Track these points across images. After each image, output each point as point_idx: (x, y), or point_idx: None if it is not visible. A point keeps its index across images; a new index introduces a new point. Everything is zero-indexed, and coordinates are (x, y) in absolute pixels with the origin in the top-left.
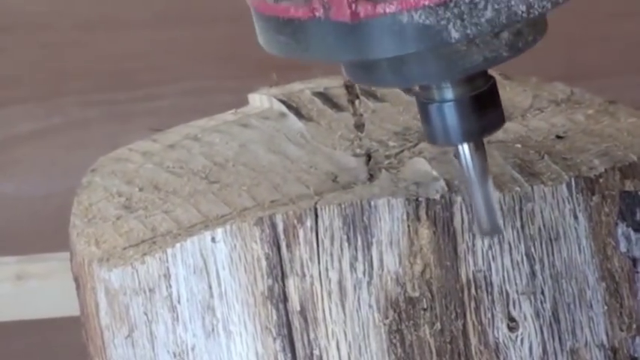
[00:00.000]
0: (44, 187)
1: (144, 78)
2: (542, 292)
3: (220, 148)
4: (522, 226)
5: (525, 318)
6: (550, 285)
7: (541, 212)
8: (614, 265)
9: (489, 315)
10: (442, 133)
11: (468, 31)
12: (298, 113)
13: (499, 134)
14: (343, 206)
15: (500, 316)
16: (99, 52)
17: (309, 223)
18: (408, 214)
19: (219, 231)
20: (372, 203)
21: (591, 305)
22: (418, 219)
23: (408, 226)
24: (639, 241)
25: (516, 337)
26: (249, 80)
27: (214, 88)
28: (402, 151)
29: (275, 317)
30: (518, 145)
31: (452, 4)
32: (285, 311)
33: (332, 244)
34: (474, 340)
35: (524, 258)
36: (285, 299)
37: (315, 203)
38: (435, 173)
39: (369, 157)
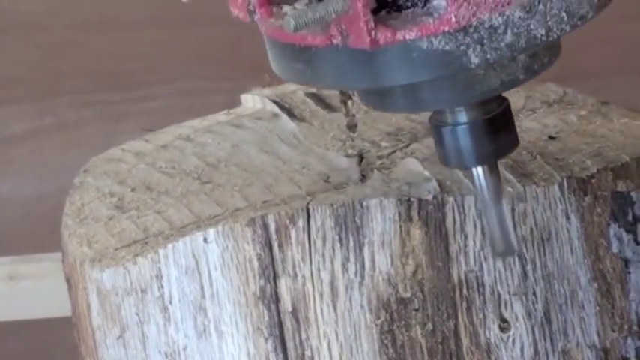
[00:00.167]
0: (37, 187)
1: (137, 79)
2: (534, 293)
3: (213, 149)
4: (514, 227)
5: (517, 318)
6: (542, 285)
7: (533, 213)
8: (606, 265)
9: (481, 315)
10: (456, 156)
11: (488, 56)
12: (291, 114)
13: None
14: (335, 207)
15: (491, 317)
16: (92, 52)
17: (301, 223)
18: (400, 214)
19: (211, 231)
20: (364, 204)
21: (583, 306)
22: (410, 219)
23: (400, 227)
24: (631, 242)
25: (508, 337)
26: (242, 81)
27: (207, 89)
28: (394, 151)
29: (267, 317)
30: None
31: (471, 30)
32: (276, 311)
33: (324, 244)
34: (465, 341)
35: (516, 258)
36: (276, 299)
37: (307, 204)
38: (427, 174)
39: (361, 157)
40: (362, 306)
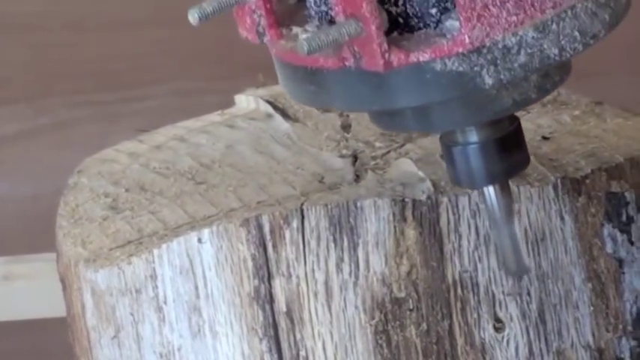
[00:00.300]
0: (31, 187)
1: (130, 79)
2: (529, 293)
3: (207, 149)
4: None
5: (511, 319)
6: (536, 286)
7: (527, 213)
8: (601, 265)
9: (475, 315)
10: (467, 176)
11: (502, 77)
12: (285, 114)
13: None
14: (329, 207)
15: (486, 317)
16: (86, 53)
17: (295, 223)
18: (394, 214)
19: (206, 232)
20: (359, 204)
21: (577, 306)
22: (404, 220)
23: (394, 227)
24: (625, 242)
25: (502, 337)
26: (236, 81)
27: (201, 89)
28: (389, 151)
29: (261, 318)
30: None
31: (485, 51)
32: (271, 312)
33: (318, 244)
34: (460, 341)
35: None
36: (271, 300)
37: (302, 204)
38: (421, 174)
39: (355, 157)
40: (356, 306)
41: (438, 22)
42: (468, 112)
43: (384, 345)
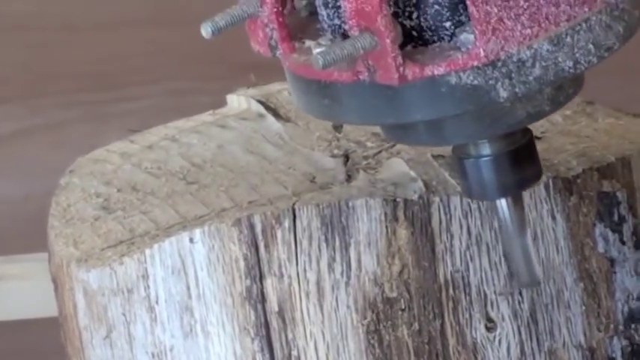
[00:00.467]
0: (23, 187)
1: (122, 79)
2: (520, 293)
3: (198, 149)
4: (500, 227)
5: (503, 318)
6: (525, 290)
7: None
8: (592, 265)
9: (467, 315)
10: (479, 188)
11: (517, 90)
12: (276, 114)
13: None
14: (321, 207)
15: (478, 317)
16: (79, 53)
17: (287, 223)
18: (385, 214)
19: (198, 232)
20: (350, 204)
21: (569, 306)
22: (396, 219)
23: (386, 227)
24: (617, 242)
25: (494, 337)
26: (228, 81)
27: (192, 89)
28: (380, 151)
29: (253, 318)
30: None
31: (500, 64)
32: (263, 312)
33: (310, 244)
34: (451, 341)
35: (502, 259)
36: (263, 300)
37: (293, 204)
38: (412, 174)
39: (346, 157)
40: (348, 306)
41: (453, 35)
42: (482, 126)
43: (376, 345)
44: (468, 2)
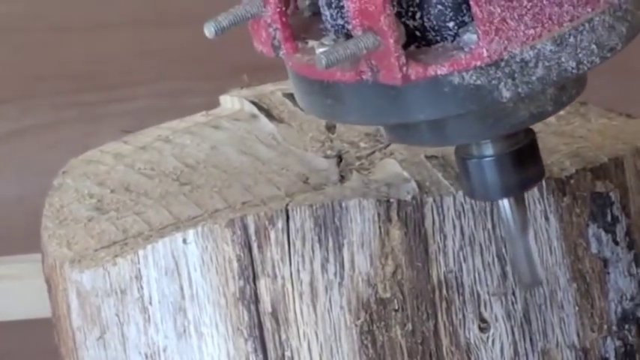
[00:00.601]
0: (16, 188)
1: (115, 80)
2: (514, 293)
3: (191, 150)
4: (493, 227)
5: (496, 319)
6: (524, 290)
7: None
8: (585, 266)
9: (460, 316)
10: (482, 189)
11: (519, 90)
12: (269, 115)
13: None
14: (314, 207)
15: (471, 317)
16: (71, 54)
17: (280, 224)
18: (379, 215)
19: (191, 232)
20: (343, 204)
21: (562, 306)
22: (389, 220)
23: (379, 227)
24: (610, 242)
25: (487, 337)
26: (221, 82)
27: (185, 90)
28: (373, 152)
29: (246, 318)
30: None
31: (503, 64)
32: (256, 312)
33: (303, 245)
34: (445, 341)
35: (495, 259)
36: (256, 300)
37: (287, 204)
38: (405, 174)
39: (340, 158)
40: (342, 307)
41: (456, 35)
42: (485, 126)
43: (370, 345)
44: (471, 2)
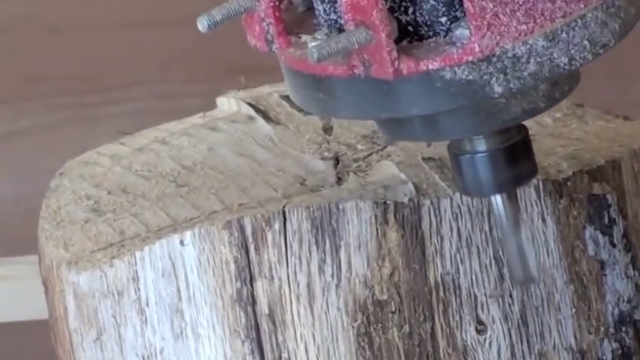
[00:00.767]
0: (13, 190)
1: (112, 82)
2: (511, 295)
3: (189, 152)
4: (490, 230)
5: (494, 321)
6: (518, 288)
7: None
8: (583, 268)
9: (457, 318)
10: (474, 185)
11: (511, 85)
12: (266, 116)
13: None
14: (311, 209)
15: (468, 319)
16: (68, 55)
17: (277, 226)
18: (376, 217)
19: (188, 234)
20: (340, 206)
21: (559, 308)
22: (386, 222)
23: (377, 229)
24: (607, 244)
25: (484, 339)
26: (218, 83)
27: (183, 92)
28: (370, 154)
29: (243, 320)
30: None
31: (495, 59)
32: (253, 314)
33: (300, 247)
34: (442, 343)
35: (493, 261)
36: (253, 302)
37: (284, 206)
38: (403, 176)
39: (337, 160)
40: (339, 308)
41: (448, 30)
42: (477, 121)
43: (367, 347)
44: None
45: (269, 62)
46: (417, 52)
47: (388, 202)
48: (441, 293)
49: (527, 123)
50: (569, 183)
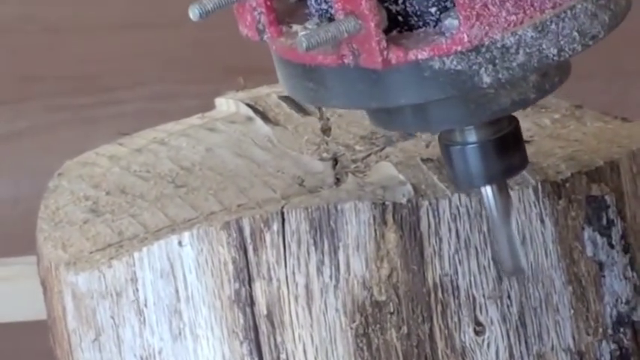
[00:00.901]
0: (12, 190)
1: (111, 82)
2: (509, 296)
3: (187, 152)
4: (489, 231)
5: (492, 322)
6: (517, 289)
7: None
8: (581, 269)
9: (456, 319)
10: (465, 176)
11: (500, 76)
12: (265, 117)
13: None
14: (310, 210)
15: (466, 320)
16: (66, 56)
17: (275, 226)
18: (374, 218)
19: (186, 235)
20: (339, 207)
21: (558, 309)
22: (385, 223)
23: (375, 230)
24: (605, 246)
25: (483, 341)
26: (216, 84)
27: (181, 92)
28: (369, 155)
29: (242, 321)
30: None
31: (484, 49)
32: (252, 315)
33: (299, 247)
34: (440, 344)
35: (491, 262)
36: (252, 303)
37: (282, 207)
38: (401, 177)
39: (335, 161)
40: (337, 309)
41: (438, 20)
42: (467, 112)
43: (365, 348)
44: None
45: (267, 63)
46: (407, 41)
47: (387, 202)
48: (440, 294)
49: (525, 124)
50: (567, 184)
